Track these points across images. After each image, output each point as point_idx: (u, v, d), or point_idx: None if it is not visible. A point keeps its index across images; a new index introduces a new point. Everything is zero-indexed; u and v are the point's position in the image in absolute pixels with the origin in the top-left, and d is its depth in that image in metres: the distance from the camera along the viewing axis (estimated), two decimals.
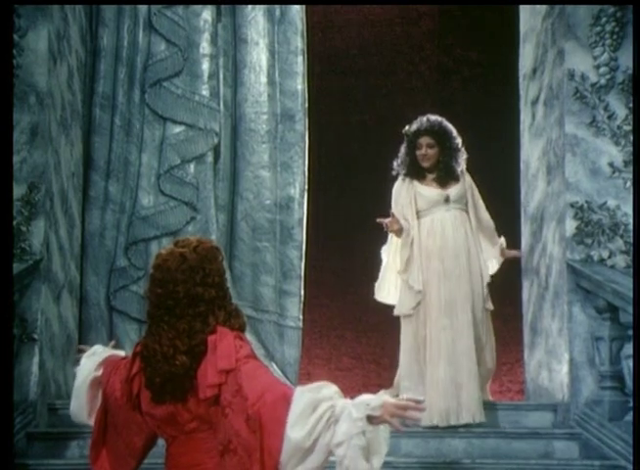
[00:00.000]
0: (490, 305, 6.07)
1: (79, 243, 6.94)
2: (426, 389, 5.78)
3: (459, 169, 6.18)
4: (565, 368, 6.07)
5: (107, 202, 7.14)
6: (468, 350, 5.81)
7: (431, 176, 6.17)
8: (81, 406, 3.34)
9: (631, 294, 5.54)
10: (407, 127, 6.24)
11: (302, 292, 7.31)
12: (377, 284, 6.22)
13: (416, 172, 6.16)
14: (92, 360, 3.38)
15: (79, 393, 3.34)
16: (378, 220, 6.01)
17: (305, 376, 7.46)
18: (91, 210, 7.12)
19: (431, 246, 5.98)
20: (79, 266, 6.93)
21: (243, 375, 3.03)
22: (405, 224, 6.03)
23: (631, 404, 5.54)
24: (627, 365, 5.59)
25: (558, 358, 6.20)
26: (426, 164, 6.15)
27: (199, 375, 3.07)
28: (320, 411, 2.97)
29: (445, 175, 6.14)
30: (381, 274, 6.23)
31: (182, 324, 3.10)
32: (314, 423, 2.95)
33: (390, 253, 6.16)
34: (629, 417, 5.54)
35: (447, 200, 6.08)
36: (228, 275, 7.07)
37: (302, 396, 2.99)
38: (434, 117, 6.19)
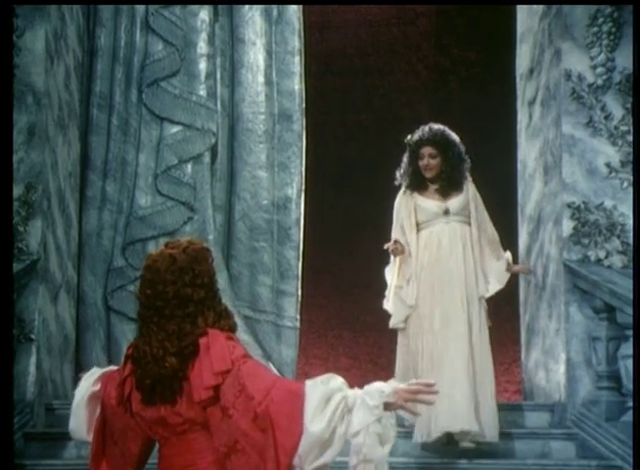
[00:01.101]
0: (488, 322, 5.90)
1: (77, 243, 6.94)
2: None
3: (463, 179, 6.02)
4: (562, 368, 6.08)
5: (104, 202, 7.13)
6: (462, 361, 5.68)
7: (433, 187, 6.01)
8: (80, 423, 3.32)
9: (628, 294, 5.55)
10: (409, 137, 6.07)
11: (300, 292, 7.31)
12: (386, 300, 6.03)
13: (418, 183, 6.01)
14: (89, 380, 3.38)
15: (78, 409, 3.33)
16: (385, 247, 5.88)
17: (303, 376, 7.46)
18: (88, 209, 7.11)
19: (426, 259, 5.87)
20: (77, 266, 6.93)
21: (244, 375, 3.03)
22: (404, 242, 5.91)
23: (628, 405, 5.55)
24: (624, 365, 5.60)
25: (555, 358, 6.21)
26: (428, 175, 5.98)
27: (192, 377, 3.06)
28: (334, 402, 2.99)
29: (448, 186, 5.98)
30: (388, 293, 6.00)
31: (171, 325, 3.10)
32: (331, 414, 2.97)
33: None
34: (626, 417, 5.55)
35: (447, 212, 5.93)
36: (225, 275, 7.11)
37: (315, 388, 3.00)
38: (436, 126, 6.03)
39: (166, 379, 3.07)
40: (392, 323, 5.95)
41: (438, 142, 5.97)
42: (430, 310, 5.80)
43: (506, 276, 6.05)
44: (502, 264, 6.00)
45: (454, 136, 6.02)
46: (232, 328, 3.18)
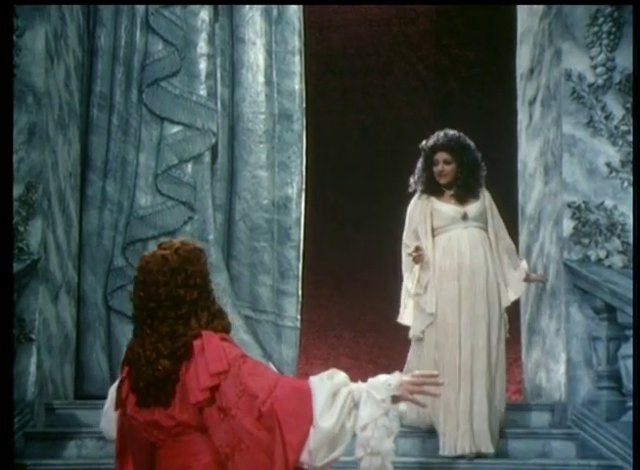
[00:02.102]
0: (507, 333, 5.84)
1: (77, 243, 6.94)
2: (440, 414, 5.60)
3: (478, 186, 5.91)
4: (562, 368, 6.08)
5: (104, 201, 7.14)
6: (481, 375, 5.63)
7: (449, 193, 5.89)
8: (109, 421, 3.32)
9: (629, 294, 5.55)
10: (424, 142, 5.95)
11: (300, 292, 7.31)
12: (402, 306, 5.92)
13: (433, 189, 5.89)
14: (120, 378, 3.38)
15: (107, 409, 3.33)
16: (408, 253, 5.75)
17: (303, 376, 7.46)
18: (89, 209, 7.12)
19: (447, 265, 5.73)
20: (77, 266, 6.93)
21: (245, 374, 3.02)
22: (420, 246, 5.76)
23: (628, 405, 5.55)
24: (624, 365, 5.60)
25: (555, 358, 6.21)
26: (443, 181, 5.87)
27: (187, 379, 3.05)
28: (342, 397, 3.00)
29: (464, 192, 5.86)
30: (403, 305, 5.92)
31: (165, 327, 3.09)
32: (340, 409, 2.99)
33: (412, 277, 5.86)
34: (626, 417, 5.55)
35: (465, 217, 5.81)
36: (226, 275, 7.11)
37: (322, 384, 3.02)
38: (451, 132, 5.91)
39: (160, 382, 3.06)
40: (413, 333, 5.80)
41: (453, 148, 5.85)
42: (456, 319, 5.67)
43: (523, 286, 5.97)
44: (520, 274, 5.90)
45: (469, 142, 5.91)
46: (226, 329, 3.17)
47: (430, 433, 5.80)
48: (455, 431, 5.58)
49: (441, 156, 5.87)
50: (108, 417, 3.34)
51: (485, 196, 5.94)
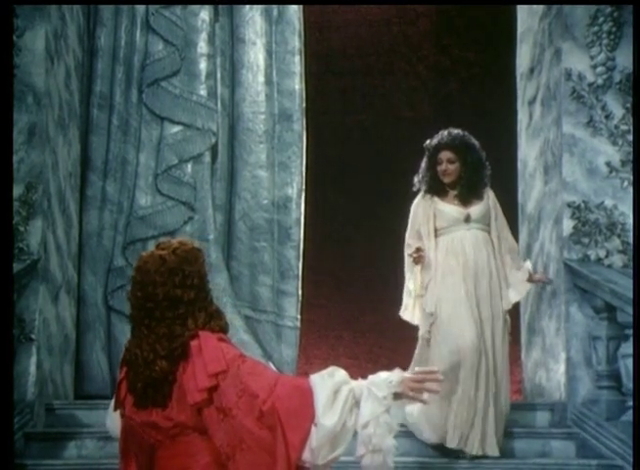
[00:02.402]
0: (509, 337, 5.80)
1: (77, 243, 6.94)
2: (453, 406, 5.57)
3: (482, 186, 5.88)
4: (562, 368, 6.08)
5: (104, 202, 7.14)
6: (487, 378, 5.61)
7: (452, 193, 5.86)
8: (114, 420, 3.33)
9: (629, 293, 5.55)
10: (428, 141, 5.91)
11: (300, 292, 7.31)
12: (403, 306, 5.89)
13: (437, 189, 5.86)
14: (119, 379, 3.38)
15: (112, 408, 3.33)
16: (409, 253, 5.73)
17: (303, 376, 7.47)
18: (89, 209, 7.12)
19: (451, 266, 5.70)
20: (77, 266, 6.93)
21: (244, 374, 3.02)
22: (421, 246, 5.73)
23: (628, 404, 5.55)
24: (624, 365, 5.60)
25: (555, 358, 6.21)
26: (447, 180, 5.83)
27: (185, 380, 3.05)
28: (343, 395, 3.01)
29: (467, 192, 5.83)
30: (405, 298, 5.89)
31: (162, 328, 3.09)
32: (342, 407, 2.99)
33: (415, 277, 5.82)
34: (626, 417, 5.55)
35: (468, 219, 5.78)
36: (226, 275, 7.11)
37: (323, 382, 3.02)
38: (455, 131, 5.88)
39: (157, 382, 3.06)
40: (421, 334, 5.78)
41: (457, 147, 5.82)
42: (469, 317, 5.63)
43: (526, 287, 5.91)
44: (524, 275, 5.84)
45: (474, 141, 5.87)
46: (223, 329, 3.16)
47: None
48: (465, 425, 5.55)
49: (445, 155, 5.84)
50: (113, 416, 3.35)
51: (490, 196, 5.92)
